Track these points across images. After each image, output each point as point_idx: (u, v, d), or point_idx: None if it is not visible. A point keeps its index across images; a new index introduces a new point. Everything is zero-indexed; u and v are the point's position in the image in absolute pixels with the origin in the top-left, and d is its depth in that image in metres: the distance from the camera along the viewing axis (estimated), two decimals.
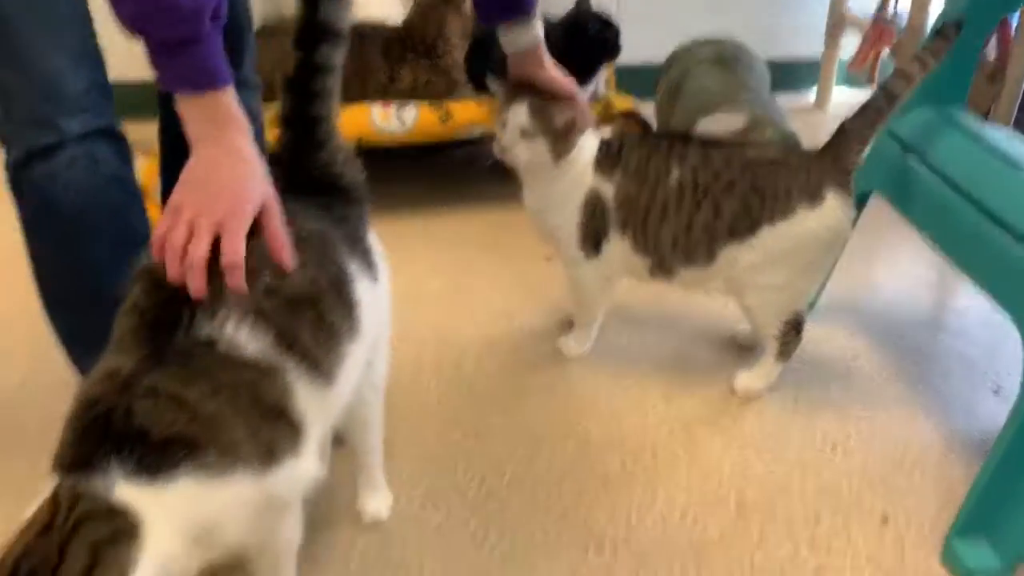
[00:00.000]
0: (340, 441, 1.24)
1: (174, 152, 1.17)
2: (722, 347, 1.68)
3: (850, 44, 2.82)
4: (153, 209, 1.27)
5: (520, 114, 1.41)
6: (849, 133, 1.39)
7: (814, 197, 1.38)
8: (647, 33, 2.42)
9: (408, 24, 2.15)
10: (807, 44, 3.02)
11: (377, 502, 1.25)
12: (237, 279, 0.83)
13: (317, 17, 0.98)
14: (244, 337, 0.82)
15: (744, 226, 1.40)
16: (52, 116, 1.02)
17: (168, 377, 0.78)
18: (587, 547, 1.21)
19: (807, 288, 1.49)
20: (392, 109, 2.01)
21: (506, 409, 1.49)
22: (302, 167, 1.03)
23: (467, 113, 2.06)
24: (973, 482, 1.20)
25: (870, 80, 2.47)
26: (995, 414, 1.49)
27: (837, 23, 2.87)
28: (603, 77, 2.31)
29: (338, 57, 1.01)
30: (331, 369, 0.91)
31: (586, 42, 2.03)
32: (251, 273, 0.85)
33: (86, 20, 1.06)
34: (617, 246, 1.48)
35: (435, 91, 2.11)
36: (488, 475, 1.34)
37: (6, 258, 1.91)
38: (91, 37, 1.07)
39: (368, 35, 2.08)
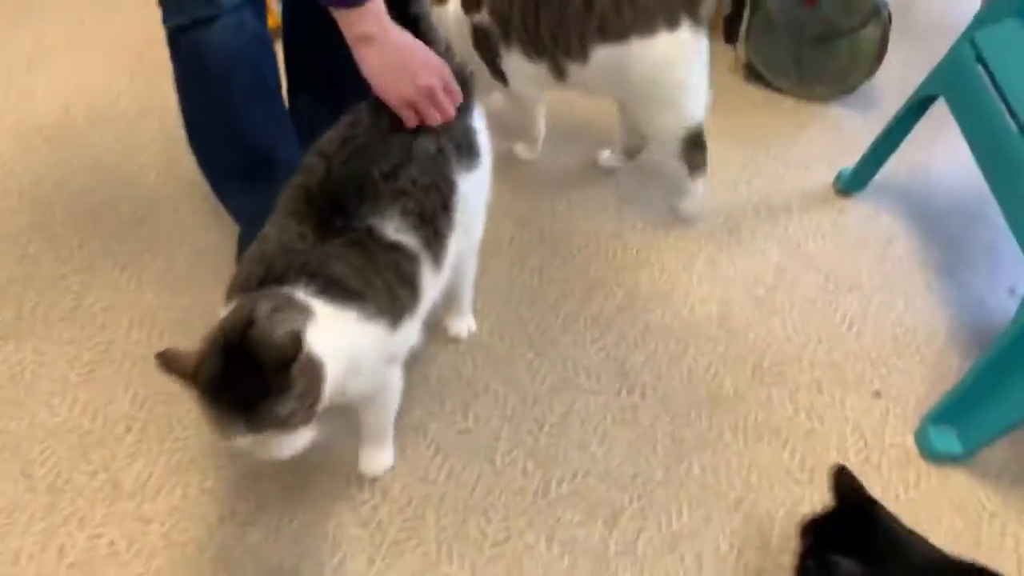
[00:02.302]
0: None
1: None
2: (771, 220, 1.84)
3: None
4: None
5: None
6: None
7: (672, 22, 1.53)
8: None
9: None
10: None
11: (461, 324, 1.52)
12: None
13: None
14: (396, 228, 1.09)
15: (613, 29, 1.54)
16: None
17: (347, 249, 1.05)
18: (621, 388, 1.47)
19: (684, 105, 1.65)
20: None
21: (570, 254, 1.71)
22: None
23: None
24: (959, 380, 1.41)
25: None
26: (1004, 313, 1.65)
27: None
28: None
29: None
30: (441, 261, 1.17)
31: None
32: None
33: None
34: (513, 61, 1.65)
35: None
36: (546, 314, 1.58)
37: (139, 63, 2.08)
38: None
39: None
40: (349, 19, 1.07)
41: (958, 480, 1.39)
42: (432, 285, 1.18)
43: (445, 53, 1.25)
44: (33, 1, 2.23)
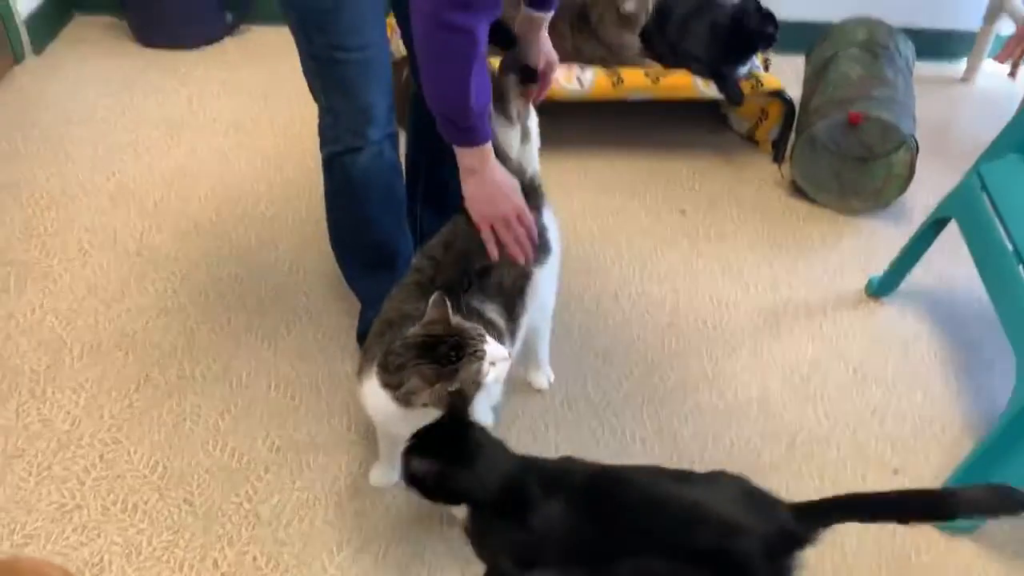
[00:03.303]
0: None
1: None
2: (808, 318, 2.11)
3: (1008, 27, 2.99)
4: None
5: None
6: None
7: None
8: None
9: None
10: (966, 18, 3.18)
11: (540, 377, 1.84)
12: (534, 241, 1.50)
13: None
14: (491, 309, 1.43)
15: None
16: (365, 129, 1.56)
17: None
18: (672, 456, 1.73)
19: None
20: (574, 71, 2.43)
21: (631, 340, 2.00)
22: None
23: (635, 79, 2.46)
24: (963, 460, 1.64)
25: (1012, 75, 2.65)
26: None
27: (994, 10, 3.06)
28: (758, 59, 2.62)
29: None
30: (516, 336, 1.52)
31: (746, 33, 2.37)
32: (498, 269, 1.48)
33: (389, 64, 1.57)
34: None
35: (606, 65, 2.50)
36: (609, 390, 1.87)
37: (277, 174, 2.46)
38: (390, 71, 1.58)
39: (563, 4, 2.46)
40: (463, 153, 1.41)
41: (965, 549, 1.60)
42: (511, 344, 1.50)
43: (516, 167, 1.58)
44: (186, 119, 2.67)
